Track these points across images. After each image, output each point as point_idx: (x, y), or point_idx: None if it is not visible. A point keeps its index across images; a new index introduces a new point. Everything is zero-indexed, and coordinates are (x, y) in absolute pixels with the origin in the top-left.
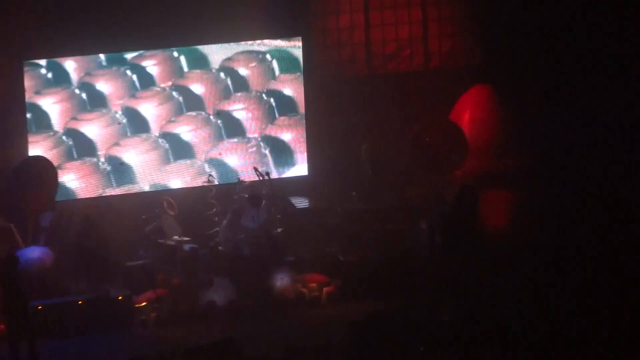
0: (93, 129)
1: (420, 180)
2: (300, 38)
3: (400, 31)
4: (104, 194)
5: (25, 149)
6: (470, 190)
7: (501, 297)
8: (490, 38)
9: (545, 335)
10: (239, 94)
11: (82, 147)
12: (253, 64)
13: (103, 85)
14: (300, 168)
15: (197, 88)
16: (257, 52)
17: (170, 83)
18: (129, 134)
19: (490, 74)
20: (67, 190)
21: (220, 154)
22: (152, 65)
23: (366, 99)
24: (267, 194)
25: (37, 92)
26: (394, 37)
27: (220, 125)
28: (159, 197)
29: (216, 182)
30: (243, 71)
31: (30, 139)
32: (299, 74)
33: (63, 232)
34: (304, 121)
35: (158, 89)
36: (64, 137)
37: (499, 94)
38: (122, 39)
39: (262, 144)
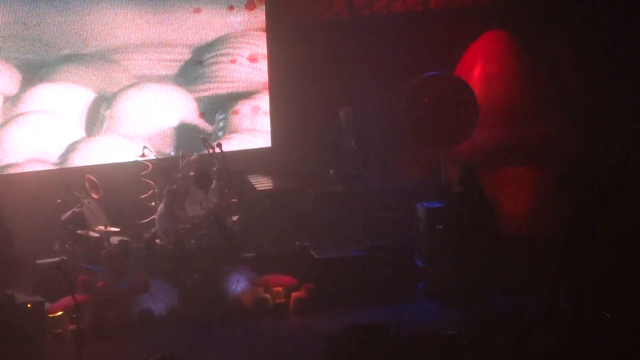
0: None
1: (416, 155)
2: None
3: None
4: (3, 171)
5: None
6: (471, 170)
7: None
8: None
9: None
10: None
11: None
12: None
13: None
14: (261, 137)
15: None
16: None
17: None
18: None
19: (507, 16)
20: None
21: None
22: None
23: (347, 49)
24: (218, 171)
25: None
26: None
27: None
28: (78, 175)
29: (152, 156)
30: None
31: None
32: (259, 14)
33: None
34: (266, 77)
35: None
36: None
37: (518, 42)
38: None
39: (210, 106)
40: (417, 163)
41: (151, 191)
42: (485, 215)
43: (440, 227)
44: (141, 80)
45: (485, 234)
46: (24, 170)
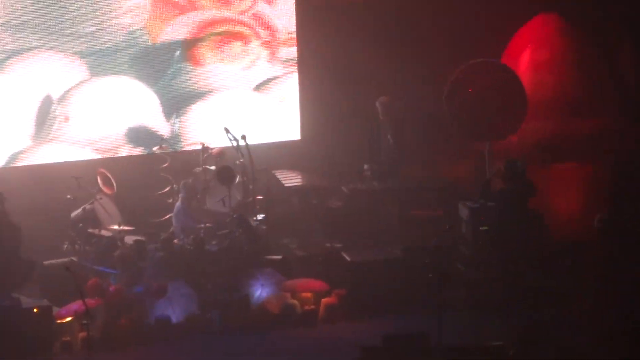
0: None
1: (458, 150)
2: None
3: None
4: (10, 164)
5: None
6: (517, 167)
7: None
8: None
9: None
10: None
11: None
12: None
13: None
14: (289, 129)
15: None
16: None
17: None
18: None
19: None
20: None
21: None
22: None
23: (384, 34)
24: (242, 165)
25: None
26: None
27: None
28: (90, 168)
29: (171, 149)
30: None
31: None
32: None
33: None
34: (296, 63)
35: None
36: None
37: (570, 26)
38: None
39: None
40: (459, 158)
41: (169, 187)
42: (532, 217)
43: (485, 228)
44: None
45: (531, 236)
46: (31, 163)
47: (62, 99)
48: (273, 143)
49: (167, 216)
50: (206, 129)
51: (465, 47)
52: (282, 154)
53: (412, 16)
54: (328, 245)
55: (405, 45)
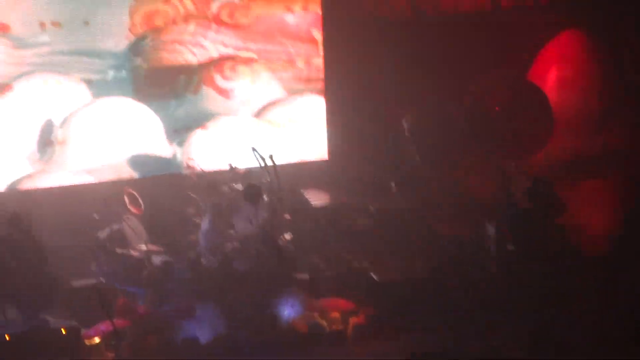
0: None
1: (485, 167)
2: None
3: None
4: (39, 184)
5: None
6: (544, 186)
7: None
8: None
9: None
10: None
11: None
12: None
13: None
14: (317, 149)
15: None
16: None
17: None
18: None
19: (586, 14)
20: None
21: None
22: None
23: (410, 51)
24: (269, 185)
25: None
26: None
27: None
28: (117, 188)
29: (199, 168)
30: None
31: None
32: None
33: None
34: (322, 82)
35: None
36: None
37: (597, 43)
38: None
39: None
40: (486, 176)
41: (196, 206)
42: (559, 236)
43: (512, 247)
44: None
45: (559, 256)
46: (58, 184)
47: (65, 123)
48: (300, 162)
49: (194, 236)
50: (232, 150)
51: (492, 64)
52: (309, 173)
53: (438, 34)
54: (356, 264)
55: (432, 63)
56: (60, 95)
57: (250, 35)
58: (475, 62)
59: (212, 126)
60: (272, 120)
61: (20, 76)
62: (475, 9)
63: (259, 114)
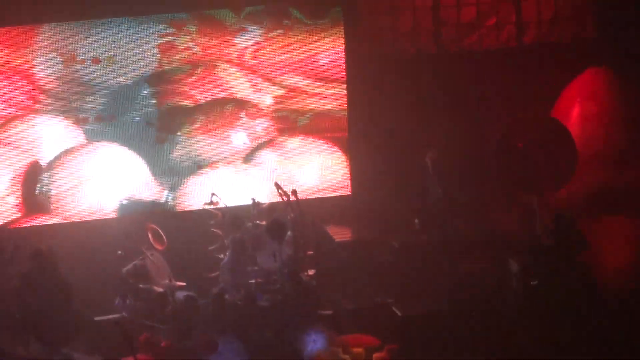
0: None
1: (509, 203)
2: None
3: None
4: (62, 220)
5: None
6: (567, 222)
7: None
8: (607, 2)
9: None
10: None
11: None
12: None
13: None
14: (340, 184)
15: None
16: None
17: None
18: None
19: (609, 52)
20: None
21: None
22: None
23: (433, 87)
24: (293, 220)
25: None
26: None
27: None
28: (141, 224)
29: (222, 204)
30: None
31: None
32: (338, 49)
33: (4, 273)
34: (346, 118)
35: None
36: None
37: (620, 81)
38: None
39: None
40: (509, 212)
41: (220, 242)
42: (582, 272)
43: (536, 283)
44: None
45: (582, 293)
46: (81, 220)
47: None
48: (323, 198)
49: (218, 272)
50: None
51: (515, 100)
52: (332, 208)
53: (461, 70)
54: (378, 299)
55: (455, 99)
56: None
57: (271, 73)
58: (499, 99)
59: (236, 160)
60: (294, 158)
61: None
62: (499, 46)
63: (281, 151)
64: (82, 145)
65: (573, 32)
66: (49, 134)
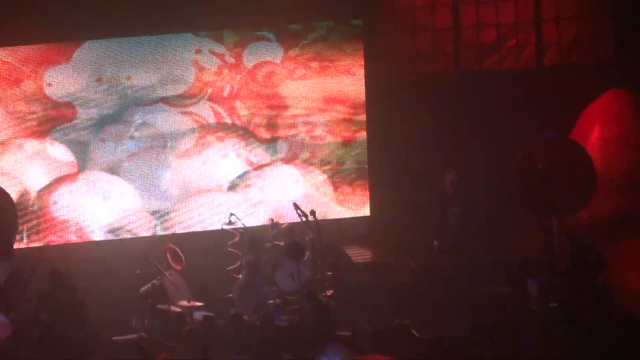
0: None
1: (527, 225)
2: (360, 19)
3: (503, 12)
4: (81, 240)
5: None
6: (586, 245)
7: None
8: (627, 24)
9: None
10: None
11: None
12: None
13: None
14: (359, 206)
15: None
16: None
17: None
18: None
19: (628, 74)
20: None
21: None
22: None
23: (453, 109)
24: (311, 241)
25: None
26: (493, 20)
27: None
28: (159, 244)
29: (240, 225)
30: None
31: None
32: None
33: (24, 292)
34: (365, 139)
35: None
36: None
37: None
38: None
39: (305, 170)
40: (528, 233)
41: (238, 262)
42: (601, 292)
43: (555, 305)
44: None
45: (600, 315)
46: (100, 239)
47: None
48: (342, 219)
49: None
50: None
51: (535, 122)
52: (351, 230)
53: (481, 91)
54: (397, 321)
55: (474, 120)
56: None
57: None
58: (518, 120)
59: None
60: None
61: None
62: (519, 67)
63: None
64: None
65: (593, 54)
66: None
